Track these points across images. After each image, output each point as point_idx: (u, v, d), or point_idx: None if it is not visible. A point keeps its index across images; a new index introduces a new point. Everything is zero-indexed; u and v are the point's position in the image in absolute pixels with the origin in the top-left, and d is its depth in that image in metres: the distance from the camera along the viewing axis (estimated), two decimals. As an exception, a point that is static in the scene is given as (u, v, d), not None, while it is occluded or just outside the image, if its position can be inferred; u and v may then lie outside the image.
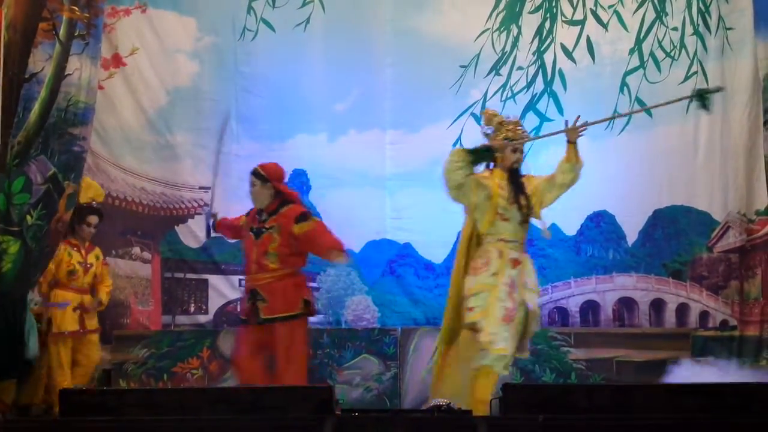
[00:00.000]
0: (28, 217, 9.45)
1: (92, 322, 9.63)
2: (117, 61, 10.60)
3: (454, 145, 10.28)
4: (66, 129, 9.77)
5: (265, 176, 8.52)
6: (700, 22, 10.45)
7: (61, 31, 9.83)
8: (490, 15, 10.64)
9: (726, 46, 10.37)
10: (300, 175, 10.71)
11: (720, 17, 10.37)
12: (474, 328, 7.64)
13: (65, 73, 9.75)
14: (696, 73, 10.43)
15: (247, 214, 8.68)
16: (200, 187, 10.52)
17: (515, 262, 7.73)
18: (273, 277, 8.39)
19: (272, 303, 8.35)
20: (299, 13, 10.67)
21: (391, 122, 10.64)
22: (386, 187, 10.59)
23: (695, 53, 10.45)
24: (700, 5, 10.45)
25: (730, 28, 10.37)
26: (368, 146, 10.66)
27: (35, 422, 8.19)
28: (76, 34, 9.90)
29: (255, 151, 10.58)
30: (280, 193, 8.53)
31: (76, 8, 9.91)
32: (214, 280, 10.42)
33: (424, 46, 10.67)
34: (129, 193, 10.50)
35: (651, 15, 10.51)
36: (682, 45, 10.48)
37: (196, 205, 10.54)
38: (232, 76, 10.74)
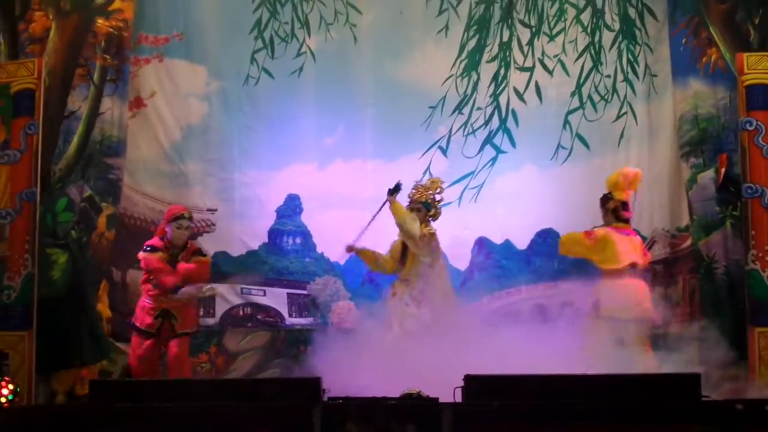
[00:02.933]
0: (73, 233, 9.55)
1: None
2: (139, 103, 10.57)
3: (425, 173, 10.33)
4: (101, 159, 9.89)
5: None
6: (630, 70, 10.51)
7: (95, 76, 10.00)
8: (454, 63, 10.65)
9: (651, 90, 10.43)
10: (294, 199, 10.71)
11: (647, 66, 10.44)
12: None
13: (99, 111, 9.84)
14: (626, 113, 10.49)
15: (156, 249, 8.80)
16: (208, 209, 10.50)
17: None
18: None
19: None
20: (294, 62, 10.68)
21: (372, 153, 10.65)
22: (367, 208, 10.53)
23: (625, 96, 10.50)
24: (629, 56, 10.50)
25: (654, 75, 10.44)
26: (352, 174, 10.66)
27: (68, 407, 8.17)
28: (108, 78, 10.01)
29: (255, 179, 10.61)
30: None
31: (108, 56, 9.97)
32: (220, 288, 10.37)
33: (400, 90, 10.69)
34: (149, 215, 10.44)
35: (589, 64, 10.55)
36: (615, 89, 10.52)
37: (204, 224, 10.49)
38: (237, 115, 10.72)
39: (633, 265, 8.90)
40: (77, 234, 9.68)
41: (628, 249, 8.90)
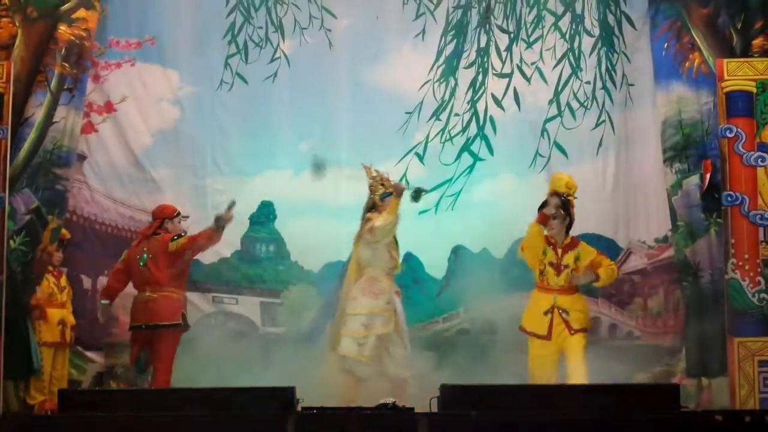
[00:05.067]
0: (11, 242, 9.45)
1: None
2: (109, 107, 10.58)
3: (401, 179, 10.37)
4: (50, 168, 9.80)
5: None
6: (608, 78, 10.56)
7: (53, 83, 9.92)
8: (432, 68, 10.68)
9: (628, 99, 10.47)
10: (267, 206, 10.73)
11: (624, 75, 10.48)
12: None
13: (53, 120, 9.79)
14: (604, 121, 10.54)
15: None
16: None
17: None
18: None
19: None
20: (268, 67, 10.70)
21: (347, 160, 10.63)
22: (342, 216, 10.56)
23: (603, 104, 10.54)
24: (608, 64, 10.55)
25: (631, 84, 10.48)
26: (327, 181, 10.66)
27: (38, 418, 8.14)
28: (65, 87, 9.94)
29: (228, 185, 10.62)
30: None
31: (67, 65, 9.92)
32: (191, 296, 10.34)
33: (376, 95, 10.73)
34: (120, 222, 10.46)
35: (567, 71, 10.59)
36: (593, 97, 10.55)
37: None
38: (210, 120, 10.75)
39: None
40: (16, 243, 9.61)
41: None
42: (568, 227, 8.65)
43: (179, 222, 9.05)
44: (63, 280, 9.94)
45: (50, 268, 9.77)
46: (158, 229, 8.92)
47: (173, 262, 8.82)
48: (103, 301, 9.00)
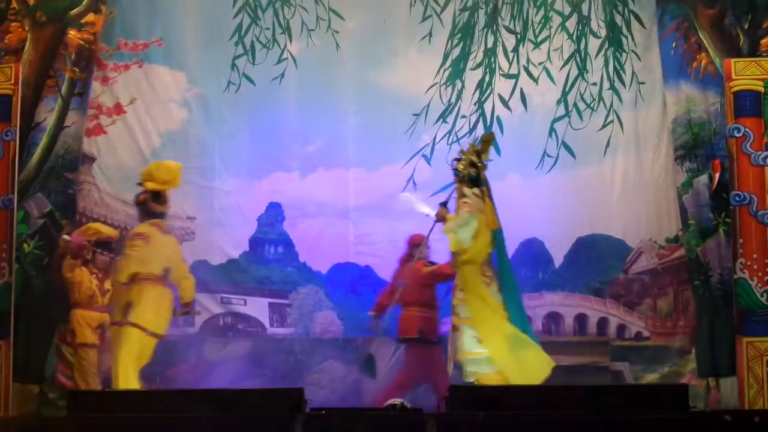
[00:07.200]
0: (25, 245, 9.49)
1: None
2: (118, 109, 10.57)
3: (409, 181, 10.37)
4: (62, 173, 9.83)
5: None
6: (616, 78, 10.51)
7: (64, 88, 9.97)
8: (438, 71, 10.65)
9: (639, 98, 10.43)
10: (275, 207, 10.71)
11: (633, 73, 10.44)
12: None
13: (64, 125, 9.80)
14: (612, 121, 10.49)
15: None
16: (187, 217, 10.49)
17: None
18: None
19: None
20: (275, 69, 10.68)
21: (354, 162, 10.64)
22: (350, 217, 10.58)
23: (611, 105, 10.49)
24: (616, 64, 10.52)
25: (642, 83, 10.44)
26: (334, 182, 10.66)
27: (45, 418, 8.14)
28: (76, 92, 9.95)
29: (236, 187, 10.61)
30: None
31: (77, 69, 9.94)
32: (200, 297, 10.32)
33: (382, 98, 10.70)
34: (129, 223, 10.41)
35: (574, 72, 10.55)
36: (600, 98, 10.51)
37: (183, 232, 10.47)
38: (218, 122, 10.72)
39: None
40: (30, 247, 9.61)
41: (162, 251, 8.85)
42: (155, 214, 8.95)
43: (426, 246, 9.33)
44: (107, 284, 9.68)
45: (95, 270, 9.53)
46: (410, 257, 9.44)
47: (425, 283, 9.44)
48: (372, 313, 9.65)
